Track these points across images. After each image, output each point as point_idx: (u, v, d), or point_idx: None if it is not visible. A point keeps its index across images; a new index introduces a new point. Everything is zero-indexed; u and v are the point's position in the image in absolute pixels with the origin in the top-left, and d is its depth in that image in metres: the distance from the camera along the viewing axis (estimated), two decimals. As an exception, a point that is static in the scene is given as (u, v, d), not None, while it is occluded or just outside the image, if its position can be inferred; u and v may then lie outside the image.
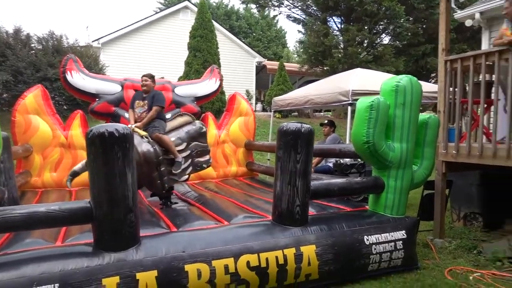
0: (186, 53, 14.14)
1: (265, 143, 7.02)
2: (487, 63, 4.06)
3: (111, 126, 2.61)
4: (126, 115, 5.54)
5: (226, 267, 2.77)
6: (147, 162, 3.81)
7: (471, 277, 3.42)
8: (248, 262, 2.84)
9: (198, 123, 4.72)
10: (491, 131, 4.13)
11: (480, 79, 4.05)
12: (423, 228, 4.66)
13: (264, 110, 17.01)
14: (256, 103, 17.68)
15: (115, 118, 5.78)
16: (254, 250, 2.91)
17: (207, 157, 4.62)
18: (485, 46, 6.94)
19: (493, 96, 4.29)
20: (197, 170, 4.58)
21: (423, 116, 3.91)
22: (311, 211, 3.69)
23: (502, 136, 4.02)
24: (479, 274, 3.48)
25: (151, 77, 4.67)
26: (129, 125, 4.10)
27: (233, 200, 4.44)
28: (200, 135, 4.60)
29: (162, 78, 7.58)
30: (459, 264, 3.73)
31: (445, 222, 4.56)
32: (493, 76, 4.08)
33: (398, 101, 3.64)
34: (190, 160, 4.39)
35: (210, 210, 3.91)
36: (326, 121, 6.52)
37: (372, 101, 3.51)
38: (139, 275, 2.55)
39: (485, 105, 4.28)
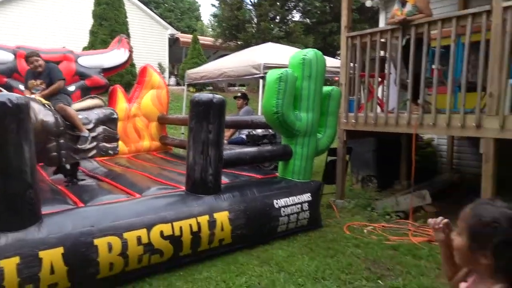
0: (91, 22, 13.03)
1: (179, 116, 6.93)
2: (381, 40, 4.48)
3: (2, 96, 2.37)
4: (21, 86, 5.01)
5: (139, 239, 2.75)
6: (46, 130, 3.53)
7: (365, 230, 3.88)
8: (161, 232, 2.86)
9: (109, 108, 4.52)
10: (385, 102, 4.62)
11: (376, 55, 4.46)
12: (327, 191, 5.09)
13: (178, 84, 16.58)
14: (169, 77, 17.14)
15: (7, 90, 5.17)
16: (168, 219, 2.92)
17: (114, 144, 4.43)
18: (382, 25, 7.58)
19: (386, 70, 4.77)
20: (102, 155, 4.36)
21: (327, 88, 4.21)
22: (225, 180, 3.80)
23: (393, 106, 4.52)
24: (372, 227, 3.97)
25: (39, 54, 4.23)
26: (32, 96, 3.80)
27: (145, 174, 4.35)
28: (110, 121, 4.38)
29: (64, 47, 6.95)
30: (356, 220, 4.19)
31: (345, 185, 5.05)
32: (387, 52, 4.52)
33: (305, 73, 3.86)
34: (95, 143, 4.18)
35: (121, 185, 3.79)
36: (239, 94, 6.64)
37: (281, 73, 3.67)
38: (42, 254, 2.41)
39: (379, 79, 4.75)
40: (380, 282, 2.84)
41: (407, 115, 4.06)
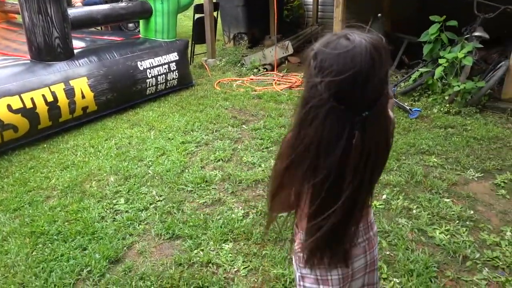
0: None
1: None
2: None
3: None
4: None
5: (-19, 115, 2.47)
6: None
7: (234, 85, 4.06)
8: (9, 106, 2.59)
9: None
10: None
11: None
12: (200, 51, 5.04)
13: None
14: None
15: None
16: (13, 92, 2.63)
17: None
18: None
19: None
20: None
21: None
22: (81, 45, 3.44)
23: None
24: (241, 81, 4.16)
25: None
26: None
27: (-20, 46, 3.68)
28: None
29: None
30: (227, 77, 4.32)
31: (217, 44, 5.02)
32: None
33: None
34: None
35: None
36: None
37: None
38: None
39: None
40: (244, 126, 3.12)
41: (269, -37, 3.95)
